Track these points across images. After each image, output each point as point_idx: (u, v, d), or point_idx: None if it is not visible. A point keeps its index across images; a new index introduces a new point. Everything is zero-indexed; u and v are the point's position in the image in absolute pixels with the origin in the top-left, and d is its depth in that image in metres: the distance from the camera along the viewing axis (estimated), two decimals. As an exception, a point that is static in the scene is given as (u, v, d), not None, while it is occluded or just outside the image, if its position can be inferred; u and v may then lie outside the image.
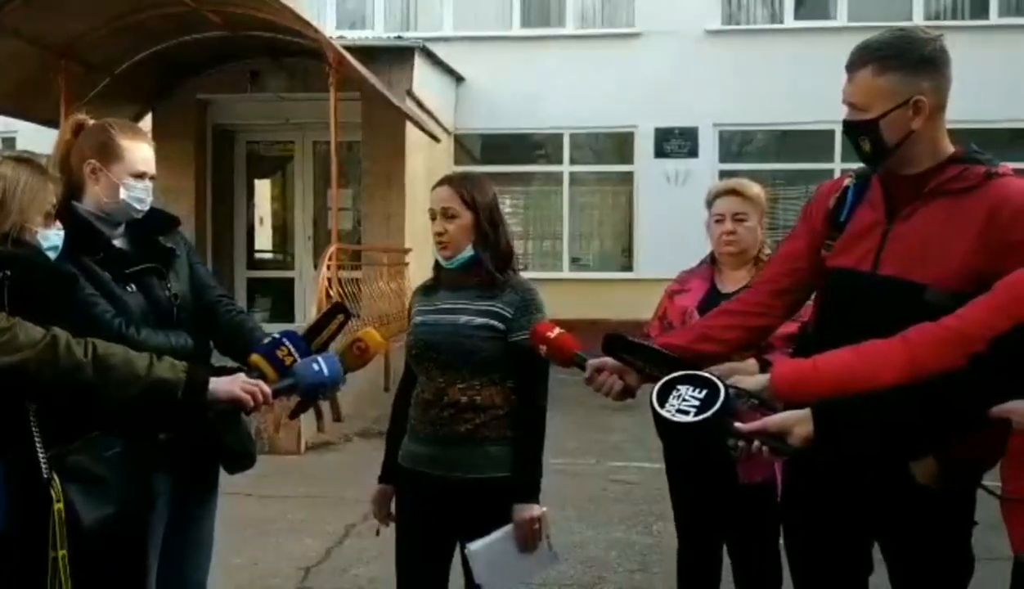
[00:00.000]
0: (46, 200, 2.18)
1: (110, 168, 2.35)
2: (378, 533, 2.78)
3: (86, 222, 2.35)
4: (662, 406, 1.85)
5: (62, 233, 2.21)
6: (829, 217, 2.27)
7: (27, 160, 2.21)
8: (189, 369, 2.14)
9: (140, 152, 2.39)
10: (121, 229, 2.43)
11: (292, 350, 2.30)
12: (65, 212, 2.27)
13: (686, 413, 1.82)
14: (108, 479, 2.15)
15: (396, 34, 11.78)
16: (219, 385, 2.17)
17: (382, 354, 8.54)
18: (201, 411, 2.18)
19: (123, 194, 2.35)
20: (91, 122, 2.43)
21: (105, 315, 2.25)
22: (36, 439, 2.07)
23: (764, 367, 2.67)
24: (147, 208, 2.43)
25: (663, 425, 1.85)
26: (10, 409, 2.06)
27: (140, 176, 2.38)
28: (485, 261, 2.55)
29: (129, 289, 2.33)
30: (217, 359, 2.55)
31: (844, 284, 2.19)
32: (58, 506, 2.05)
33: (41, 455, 2.06)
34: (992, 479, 1.94)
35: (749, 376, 2.20)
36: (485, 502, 2.50)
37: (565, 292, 10.70)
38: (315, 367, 2.30)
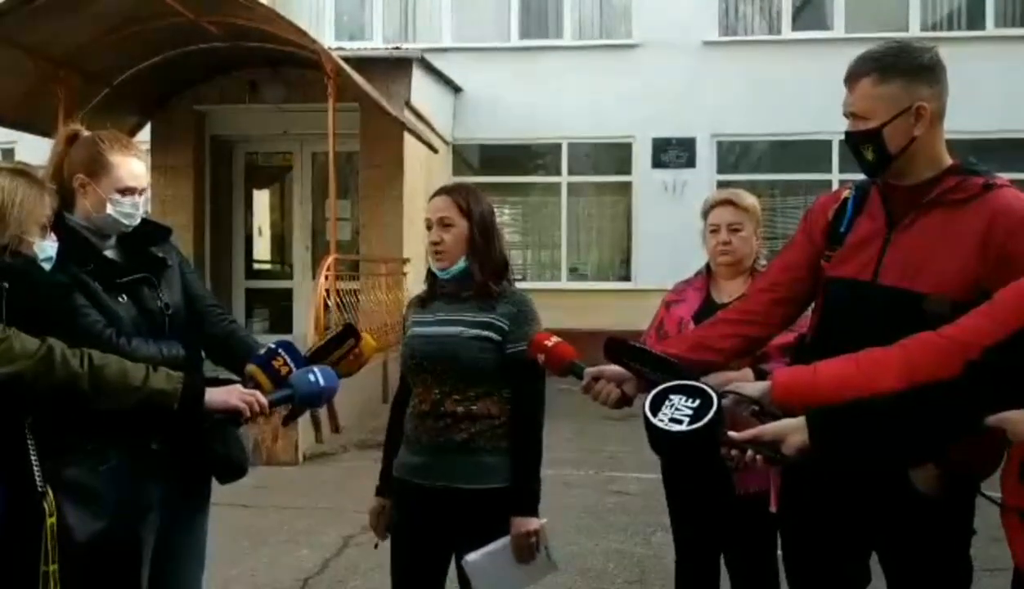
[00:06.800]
0: (43, 212, 2.18)
1: (98, 182, 2.33)
2: (376, 547, 2.77)
3: (77, 233, 2.34)
4: (655, 416, 1.85)
5: (57, 244, 2.21)
6: (828, 229, 2.28)
7: (23, 172, 2.21)
8: (185, 380, 2.14)
9: (128, 167, 2.35)
10: (112, 240, 2.42)
11: (288, 360, 2.30)
12: (57, 223, 2.26)
13: (679, 422, 1.82)
14: (102, 493, 2.15)
15: (394, 45, 11.80)
16: (215, 395, 2.18)
17: (381, 364, 8.58)
18: (197, 422, 2.17)
19: (109, 209, 2.33)
20: (85, 134, 2.41)
21: (96, 325, 2.24)
22: (31, 452, 2.06)
23: (760, 376, 2.67)
24: (136, 222, 2.40)
25: (656, 435, 1.85)
26: (6, 421, 2.05)
27: (128, 191, 2.35)
28: (475, 272, 2.55)
29: (120, 299, 2.32)
30: (209, 368, 2.54)
31: (844, 294, 2.20)
32: (51, 520, 2.05)
33: (36, 468, 2.06)
34: (993, 488, 1.93)
35: (749, 382, 2.20)
36: (480, 512, 2.49)
37: (563, 302, 10.72)
38: (311, 377, 2.30)
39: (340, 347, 2.44)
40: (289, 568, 4.72)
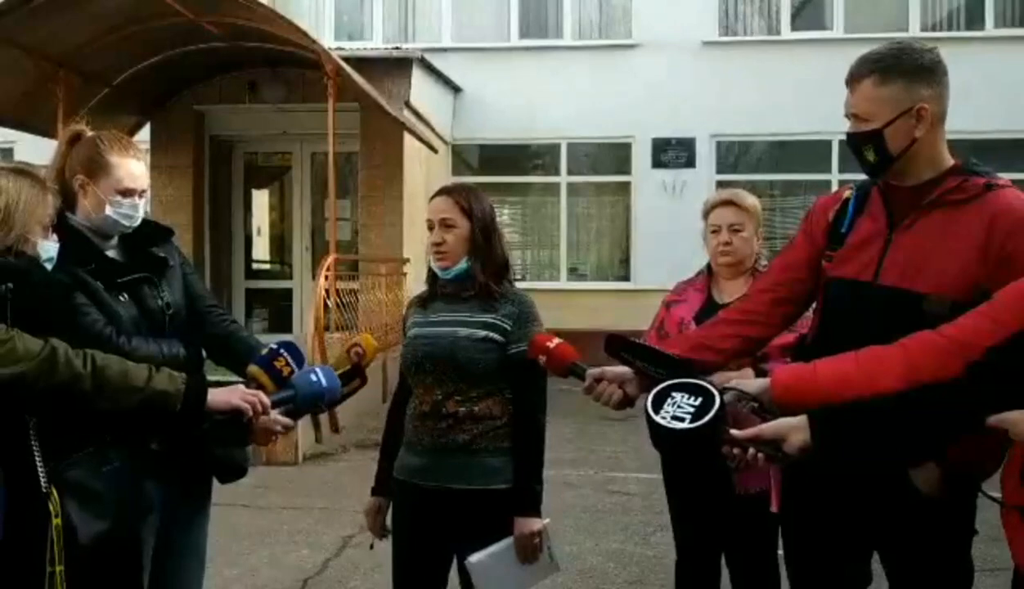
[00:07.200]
0: (45, 212, 2.18)
1: (97, 183, 2.33)
2: (372, 547, 2.77)
3: (79, 233, 2.34)
4: (657, 413, 1.85)
5: (58, 245, 2.21)
6: (830, 229, 2.28)
7: (26, 172, 2.21)
8: (188, 380, 2.14)
9: (127, 168, 2.35)
10: (115, 240, 2.42)
11: (290, 361, 2.30)
12: (59, 223, 2.26)
13: (681, 420, 1.82)
14: (105, 494, 2.15)
15: (394, 45, 11.80)
16: (218, 396, 2.18)
17: (380, 364, 8.57)
18: (199, 422, 2.18)
19: (108, 210, 2.33)
20: (88, 133, 2.41)
21: (96, 324, 2.24)
22: (35, 452, 2.07)
23: (760, 376, 2.67)
24: (136, 223, 2.40)
25: (658, 432, 1.85)
26: (10, 422, 2.05)
27: (128, 193, 2.35)
28: (476, 272, 2.55)
29: (121, 298, 2.32)
30: (211, 369, 2.54)
31: (845, 294, 2.20)
32: (56, 521, 2.05)
33: (40, 468, 2.06)
34: (993, 488, 1.94)
35: (749, 380, 2.21)
36: (481, 513, 2.49)
37: (562, 302, 10.73)
38: (313, 378, 2.31)
39: (346, 385, 2.45)
40: (289, 568, 4.72)
